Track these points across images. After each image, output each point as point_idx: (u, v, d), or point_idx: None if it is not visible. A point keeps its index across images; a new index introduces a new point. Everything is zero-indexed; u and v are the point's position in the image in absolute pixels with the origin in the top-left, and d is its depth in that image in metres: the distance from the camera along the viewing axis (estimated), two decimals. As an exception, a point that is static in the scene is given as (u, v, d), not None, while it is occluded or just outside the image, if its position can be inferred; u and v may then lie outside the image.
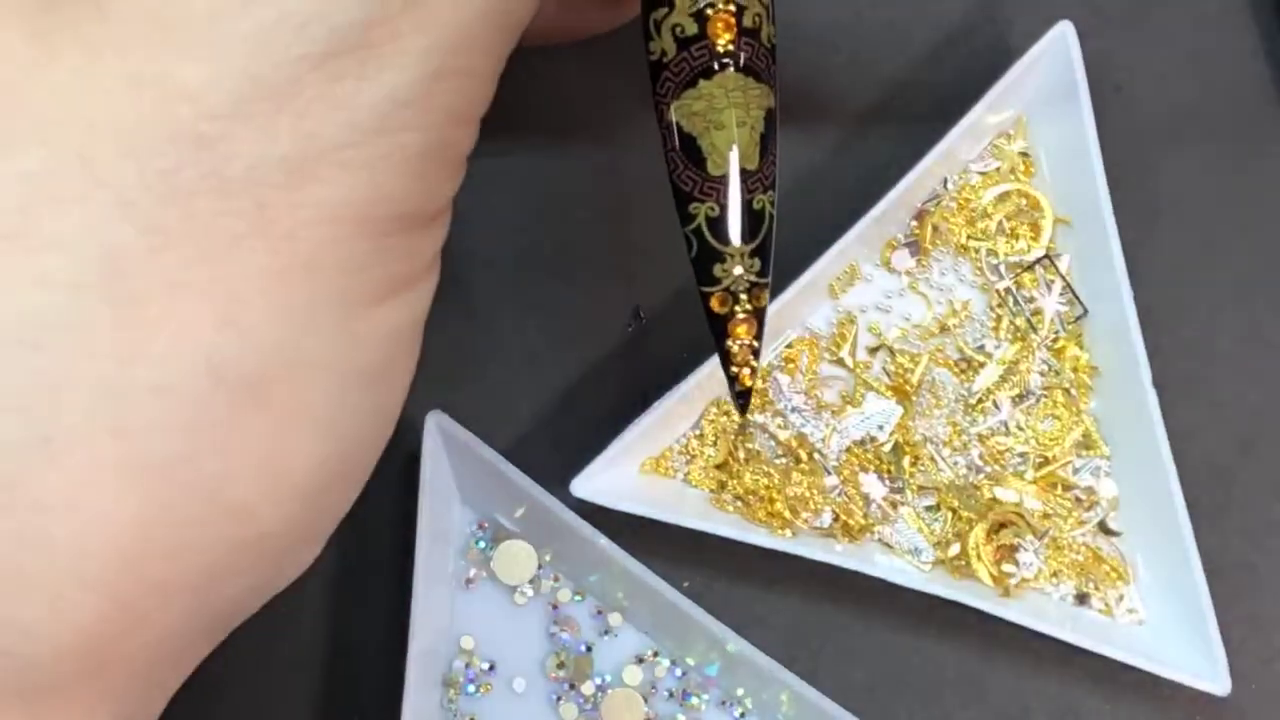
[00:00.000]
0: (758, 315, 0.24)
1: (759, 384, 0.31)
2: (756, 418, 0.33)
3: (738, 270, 0.23)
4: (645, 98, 0.23)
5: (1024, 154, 0.34)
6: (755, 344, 0.24)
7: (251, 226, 0.17)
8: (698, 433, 0.33)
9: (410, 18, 0.17)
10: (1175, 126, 0.35)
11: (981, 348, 0.34)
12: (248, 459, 0.17)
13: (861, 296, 0.34)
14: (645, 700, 0.32)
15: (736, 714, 0.32)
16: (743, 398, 0.24)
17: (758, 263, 0.23)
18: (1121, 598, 0.32)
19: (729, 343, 0.24)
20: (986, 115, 0.33)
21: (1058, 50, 0.33)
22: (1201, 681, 0.30)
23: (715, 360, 0.32)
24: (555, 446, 0.33)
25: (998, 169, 0.34)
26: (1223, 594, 0.31)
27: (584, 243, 0.34)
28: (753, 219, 0.23)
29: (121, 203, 0.16)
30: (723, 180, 0.23)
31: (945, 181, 0.34)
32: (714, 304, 0.23)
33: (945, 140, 0.33)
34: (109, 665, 0.17)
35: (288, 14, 0.16)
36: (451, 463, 0.31)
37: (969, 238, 0.34)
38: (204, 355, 0.17)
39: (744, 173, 0.23)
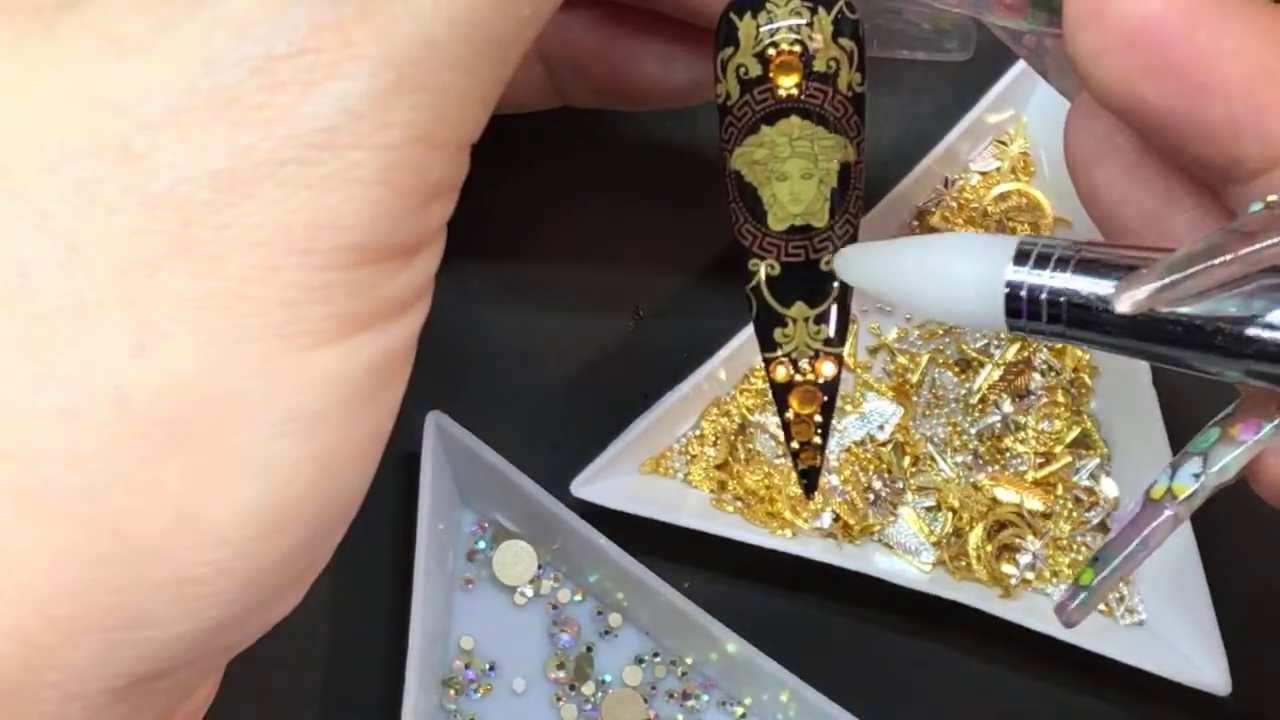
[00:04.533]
0: (823, 388, 0.22)
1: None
2: (756, 417, 0.33)
3: (800, 336, 0.22)
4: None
5: (1024, 154, 0.34)
6: (818, 418, 0.22)
7: (174, 247, 0.15)
8: (698, 433, 0.33)
9: (365, 24, 0.16)
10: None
11: (983, 348, 0.34)
12: (160, 499, 0.16)
13: (862, 297, 0.34)
14: (645, 700, 0.32)
15: (736, 714, 0.32)
16: (806, 476, 0.23)
17: (824, 329, 0.22)
18: (1121, 598, 0.32)
19: (787, 414, 0.22)
20: (986, 115, 0.33)
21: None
22: (1201, 681, 0.30)
23: (715, 360, 0.32)
24: (555, 447, 0.33)
25: (998, 169, 0.34)
26: (1223, 594, 0.31)
27: (584, 243, 0.34)
28: (817, 281, 0.22)
29: (38, 215, 0.15)
30: (784, 236, 0.21)
31: (945, 181, 0.34)
32: (773, 371, 0.22)
33: (945, 140, 0.33)
34: (15, 708, 0.16)
35: (228, 16, 0.16)
36: (451, 463, 0.31)
37: (969, 238, 0.34)
38: (114, 383, 0.15)
39: (809, 230, 0.21)
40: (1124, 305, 0.16)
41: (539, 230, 0.34)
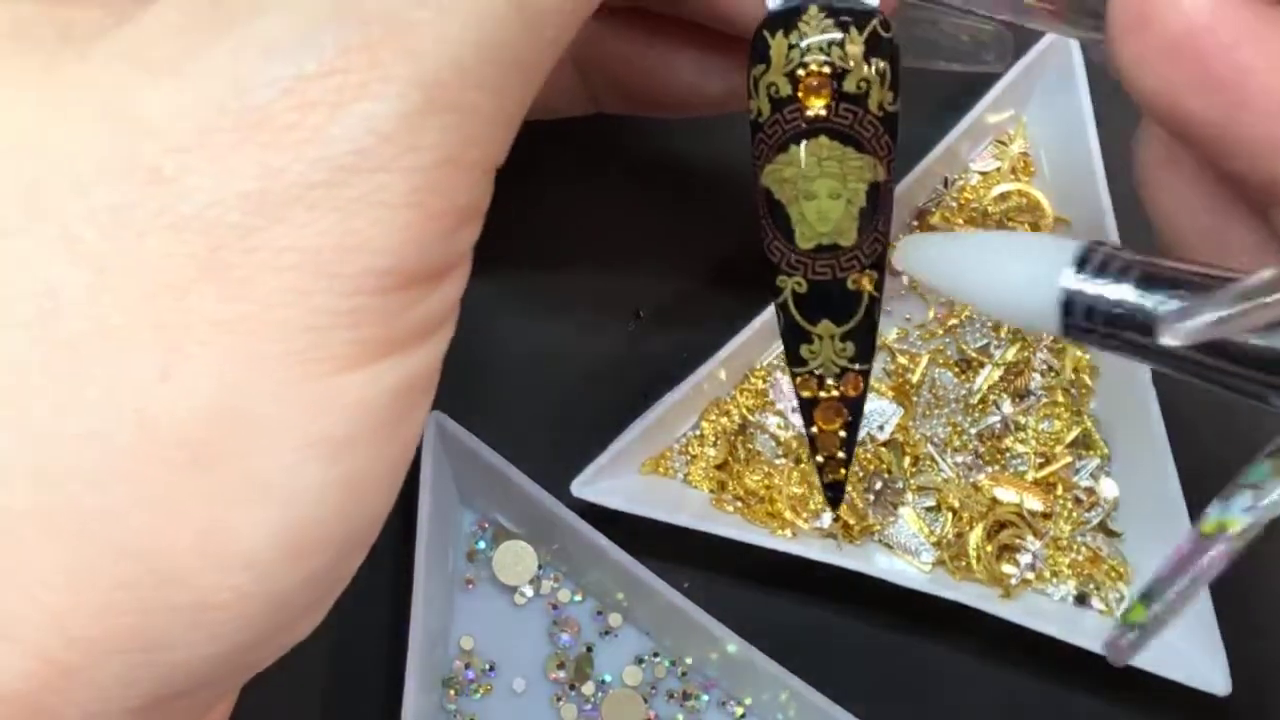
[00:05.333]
0: (848, 404, 0.22)
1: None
2: (755, 417, 0.33)
3: (826, 353, 0.22)
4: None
5: (1024, 154, 0.34)
6: (843, 434, 0.22)
7: (202, 270, 0.15)
8: (698, 433, 0.33)
9: (392, 45, 0.16)
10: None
11: (983, 348, 0.34)
12: (183, 522, 0.16)
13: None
14: (645, 700, 0.32)
15: (736, 714, 0.32)
16: (831, 490, 0.23)
17: (850, 347, 0.22)
18: (1121, 598, 0.32)
19: (813, 430, 0.23)
20: (986, 115, 0.33)
21: (1058, 50, 0.33)
22: (1201, 681, 0.30)
23: (715, 360, 0.32)
24: (555, 447, 0.33)
25: (998, 169, 0.34)
26: (1223, 594, 0.31)
27: (585, 244, 0.34)
28: (843, 300, 0.22)
29: (66, 238, 0.15)
30: (811, 255, 0.21)
31: (945, 181, 0.34)
32: (799, 386, 0.22)
33: (945, 140, 0.33)
34: None
35: (258, 37, 0.16)
36: (451, 463, 0.31)
37: (969, 238, 0.34)
38: (137, 407, 0.15)
39: (836, 249, 0.21)
40: (1170, 338, 0.16)
41: (541, 232, 0.34)
